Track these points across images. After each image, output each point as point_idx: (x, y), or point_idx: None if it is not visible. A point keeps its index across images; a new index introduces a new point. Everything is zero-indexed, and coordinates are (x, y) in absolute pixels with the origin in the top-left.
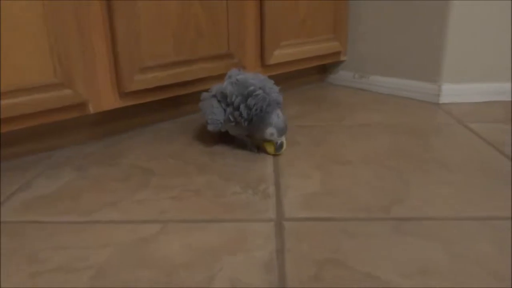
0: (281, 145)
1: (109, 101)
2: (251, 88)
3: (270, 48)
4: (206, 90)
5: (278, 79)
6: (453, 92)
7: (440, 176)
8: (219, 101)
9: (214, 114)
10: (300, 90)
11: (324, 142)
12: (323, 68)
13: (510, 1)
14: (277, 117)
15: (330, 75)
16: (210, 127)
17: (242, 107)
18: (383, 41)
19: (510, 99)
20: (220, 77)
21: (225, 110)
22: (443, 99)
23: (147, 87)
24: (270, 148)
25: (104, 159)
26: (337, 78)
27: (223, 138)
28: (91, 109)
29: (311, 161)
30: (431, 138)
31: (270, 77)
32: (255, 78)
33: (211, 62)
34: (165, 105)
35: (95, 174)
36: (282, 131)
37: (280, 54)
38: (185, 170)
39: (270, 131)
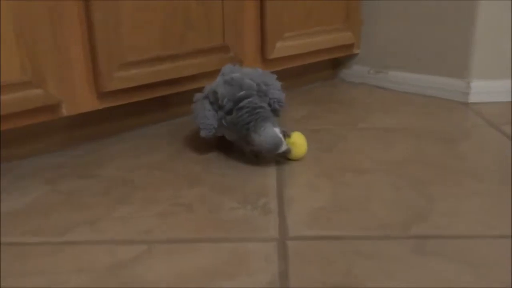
0: (285, 152)
1: (86, 102)
2: (242, 93)
3: (272, 40)
4: (199, 90)
5: (281, 76)
6: (484, 89)
7: (469, 188)
8: (211, 102)
9: (207, 118)
10: (307, 88)
11: (335, 149)
12: (334, 63)
13: None
14: (262, 134)
15: (342, 71)
16: (202, 133)
17: (234, 113)
18: (403, 30)
19: None
20: (214, 73)
21: (217, 113)
22: (473, 98)
23: (130, 86)
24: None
25: (80, 170)
26: (350, 74)
27: (220, 143)
28: (65, 111)
29: (320, 170)
30: (459, 143)
31: (277, 73)
32: (253, 74)
33: (203, 57)
34: (151, 106)
35: (70, 188)
36: (271, 149)
37: (283, 46)
38: (174, 182)
39: (259, 148)
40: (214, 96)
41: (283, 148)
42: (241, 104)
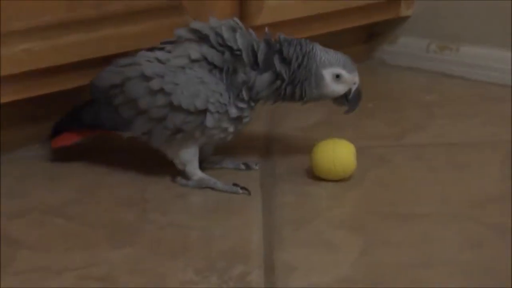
0: (360, 91)
1: None
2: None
3: None
4: None
5: None
6: None
7: None
8: (215, 67)
9: (219, 94)
10: None
11: (367, 178)
12: (368, 34)
13: None
14: (325, 51)
15: (382, 47)
16: (210, 121)
17: (277, 60)
18: None
19: None
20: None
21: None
22: None
23: (14, 72)
24: (345, 147)
25: None
26: (395, 53)
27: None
28: None
29: (341, 215)
30: None
31: None
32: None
33: (142, 22)
34: (50, 107)
35: None
36: (350, 64)
37: (277, 5)
38: (86, 237)
39: (333, 72)
40: (220, 55)
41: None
42: (288, 42)
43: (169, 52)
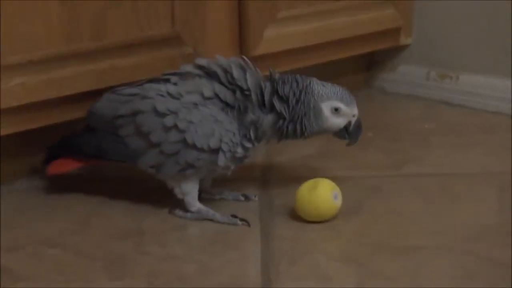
0: (360, 123)
1: None
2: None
3: (257, 25)
4: None
5: None
6: None
7: None
8: (227, 105)
9: (232, 133)
10: None
11: (363, 211)
12: (367, 62)
13: None
14: (322, 85)
15: (382, 75)
16: (222, 160)
17: (276, 100)
18: (482, 6)
19: None
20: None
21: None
22: None
23: (10, 106)
24: (323, 191)
25: None
26: (394, 81)
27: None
28: None
29: (338, 246)
30: None
31: None
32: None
33: (138, 54)
34: (48, 138)
35: None
36: (348, 97)
37: (277, 35)
38: (83, 267)
39: (331, 105)
40: (231, 93)
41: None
42: (283, 76)
43: (175, 84)
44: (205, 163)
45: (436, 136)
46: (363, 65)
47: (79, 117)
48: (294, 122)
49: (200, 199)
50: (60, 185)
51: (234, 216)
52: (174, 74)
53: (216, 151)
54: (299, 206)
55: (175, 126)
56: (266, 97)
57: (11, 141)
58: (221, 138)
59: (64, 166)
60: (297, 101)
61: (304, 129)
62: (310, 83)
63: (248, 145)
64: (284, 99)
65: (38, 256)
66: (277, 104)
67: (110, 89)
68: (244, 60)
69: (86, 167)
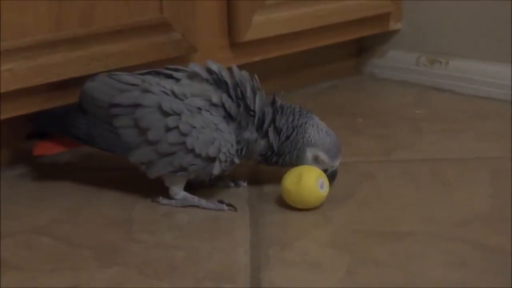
0: (335, 174)
1: None
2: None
3: (245, 11)
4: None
5: (269, 73)
6: None
7: None
8: (229, 115)
9: (230, 144)
10: (313, 91)
11: (355, 196)
12: (357, 48)
13: None
14: (316, 130)
15: (372, 61)
16: (217, 170)
17: (271, 129)
18: None
19: None
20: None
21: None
22: None
23: None
24: (308, 181)
25: None
26: (384, 66)
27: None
28: None
29: (327, 234)
30: None
31: (251, 68)
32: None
33: (127, 40)
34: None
35: None
36: (335, 150)
37: (265, 21)
38: (73, 256)
39: (316, 153)
40: (235, 106)
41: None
42: (282, 109)
43: (181, 82)
44: (199, 168)
45: (427, 121)
46: (352, 51)
47: (68, 104)
48: (279, 155)
49: (191, 186)
50: (49, 174)
51: (221, 202)
52: (177, 70)
53: (212, 159)
54: (285, 196)
55: (177, 128)
56: (266, 124)
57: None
58: (220, 147)
59: (51, 149)
60: (287, 137)
61: (284, 163)
62: (306, 123)
63: (236, 161)
64: (277, 131)
65: (29, 244)
66: (271, 134)
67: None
68: (255, 80)
69: (74, 149)
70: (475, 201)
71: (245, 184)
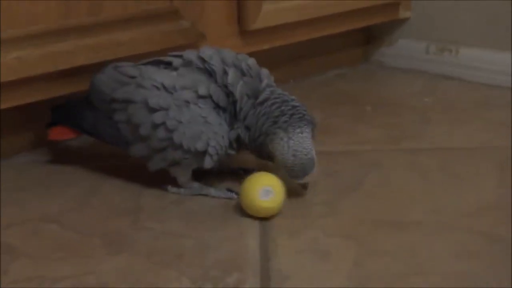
0: (305, 186)
1: None
2: (266, 91)
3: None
4: None
5: (277, 61)
6: None
7: None
8: (218, 106)
9: (221, 136)
10: (321, 79)
11: (362, 186)
12: (366, 37)
13: None
14: (283, 146)
15: (380, 50)
16: (208, 163)
17: (251, 112)
18: None
19: None
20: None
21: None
22: None
23: (7, 80)
24: (249, 188)
25: None
26: (393, 55)
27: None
28: None
29: (336, 222)
30: None
31: (260, 56)
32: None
33: (135, 28)
34: (47, 113)
35: None
36: (296, 171)
37: (274, 9)
38: (81, 244)
39: (283, 164)
40: (225, 96)
41: (315, 170)
42: (263, 96)
43: (177, 71)
44: (191, 162)
45: (435, 110)
46: (361, 39)
47: (76, 92)
48: (257, 151)
49: (200, 173)
50: (59, 161)
51: (230, 190)
52: (178, 56)
53: (203, 153)
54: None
55: (164, 124)
56: (240, 116)
57: (10, 116)
58: (208, 141)
59: (64, 134)
60: (254, 140)
61: (266, 159)
62: (275, 133)
63: (231, 151)
64: (248, 128)
65: (37, 232)
66: (241, 130)
67: (108, 63)
68: (252, 62)
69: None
70: (482, 191)
71: (255, 171)
